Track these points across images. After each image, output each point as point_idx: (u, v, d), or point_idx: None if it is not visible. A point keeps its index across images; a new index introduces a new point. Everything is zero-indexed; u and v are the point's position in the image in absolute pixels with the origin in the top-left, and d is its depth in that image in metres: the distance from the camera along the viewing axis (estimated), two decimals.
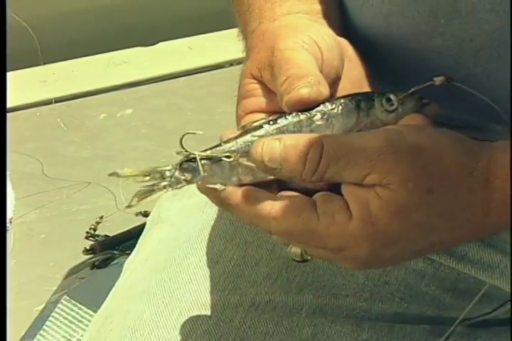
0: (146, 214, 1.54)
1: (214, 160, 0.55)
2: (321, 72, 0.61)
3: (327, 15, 0.68)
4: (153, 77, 2.15)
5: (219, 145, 0.57)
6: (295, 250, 0.61)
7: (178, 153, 0.55)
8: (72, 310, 1.39)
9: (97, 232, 1.60)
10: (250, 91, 0.62)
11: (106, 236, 1.57)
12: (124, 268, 0.81)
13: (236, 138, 0.57)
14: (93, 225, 1.62)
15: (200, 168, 0.54)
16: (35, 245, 1.61)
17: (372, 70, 0.67)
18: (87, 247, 1.52)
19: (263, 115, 0.61)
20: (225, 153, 0.56)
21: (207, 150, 0.56)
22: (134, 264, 0.79)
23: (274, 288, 0.71)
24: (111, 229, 1.61)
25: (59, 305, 1.40)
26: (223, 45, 2.10)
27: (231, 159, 0.56)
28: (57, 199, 1.75)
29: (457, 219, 0.57)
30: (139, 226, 1.41)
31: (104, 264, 1.48)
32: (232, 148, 0.57)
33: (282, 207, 0.56)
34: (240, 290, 0.71)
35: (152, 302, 0.71)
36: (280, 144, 0.56)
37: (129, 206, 0.54)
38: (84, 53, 2.21)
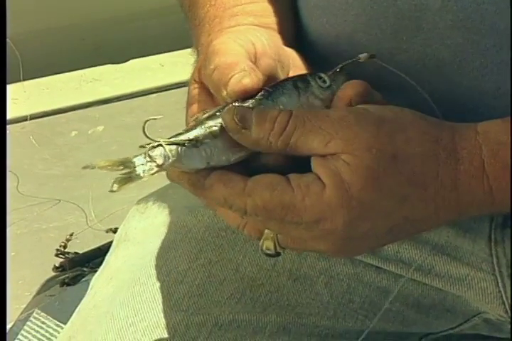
0: (115, 231, 1.54)
1: (179, 145, 0.57)
2: (254, 63, 0.61)
3: (277, 28, 0.69)
4: (124, 94, 2.15)
5: (181, 133, 0.58)
6: (267, 244, 0.61)
7: (141, 146, 0.57)
8: (42, 328, 1.39)
9: (67, 249, 1.59)
10: (194, 97, 0.63)
11: (76, 253, 1.56)
12: (90, 286, 0.81)
13: (195, 125, 0.59)
14: (63, 242, 1.61)
15: (168, 152, 0.56)
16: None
17: None
18: (57, 264, 1.52)
19: None
20: (188, 138, 0.58)
21: (171, 138, 0.58)
22: (100, 282, 0.79)
23: (238, 308, 0.72)
24: (81, 246, 1.60)
25: (28, 323, 1.39)
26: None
27: (194, 142, 0.57)
28: (28, 216, 1.74)
29: (428, 189, 0.57)
30: (108, 243, 1.40)
31: (73, 281, 1.48)
32: (194, 134, 0.58)
33: (256, 184, 0.57)
34: (203, 310, 0.71)
35: (116, 322, 0.71)
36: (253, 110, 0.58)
37: (111, 191, 0.56)
38: (55, 71, 2.21)
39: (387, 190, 0.56)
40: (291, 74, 0.65)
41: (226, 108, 0.59)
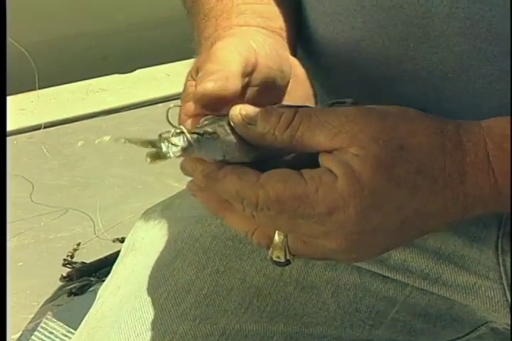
0: (123, 241, 1.54)
1: (199, 134, 0.57)
2: (250, 73, 0.62)
3: (282, 33, 0.69)
4: (130, 103, 2.16)
5: (197, 128, 0.58)
6: (277, 252, 0.60)
7: (160, 135, 0.56)
8: (49, 338, 1.39)
9: (74, 259, 1.60)
10: (190, 94, 0.62)
11: (83, 263, 1.57)
12: (97, 296, 0.81)
13: (208, 123, 0.59)
14: (70, 252, 1.62)
15: (190, 139, 0.56)
16: (11, 273, 1.60)
17: (342, 94, 0.68)
18: (64, 274, 1.52)
19: (202, 119, 0.61)
20: (206, 130, 0.58)
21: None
22: (107, 292, 0.79)
23: (246, 317, 0.72)
24: (88, 255, 1.61)
25: (36, 333, 1.39)
26: None
27: (212, 134, 0.58)
28: (35, 226, 1.74)
29: (436, 180, 0.56)
30: (115, 252, 1.41)
31: (81, 291, 1.48)
32: (210, 128, 0.58)
33: (269, 176, 0.57)
34: (210, 320, 0.71)
35: (123, 332, 0.71)
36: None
37: (147, 162, 0.56)
38: (62, 81, 2.21)
39: (398, 178, 0.56)
40: (290, 84, 0.65)
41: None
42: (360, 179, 0.55)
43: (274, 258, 0.61)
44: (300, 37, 0.74)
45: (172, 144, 0.56)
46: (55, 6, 2.33)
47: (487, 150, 0.57)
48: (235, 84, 0.59)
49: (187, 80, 0.63)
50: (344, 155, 0.56)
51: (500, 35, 0.63)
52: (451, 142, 0.57)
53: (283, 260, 0.61)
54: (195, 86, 0.60)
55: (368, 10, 0.66)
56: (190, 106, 0.61)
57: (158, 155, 0.56)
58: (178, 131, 0.56)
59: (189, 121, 0.60)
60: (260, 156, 0.60)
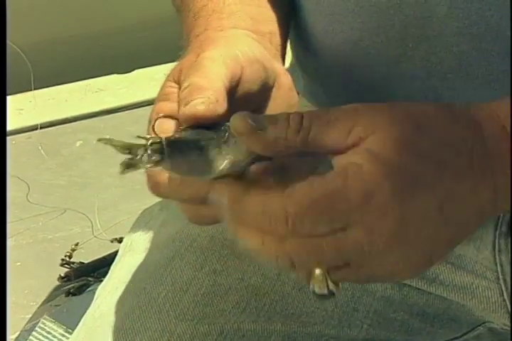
0: (121, 241, 1.55)
1: (179, 148, 0.55)
2: (234, 88, 0.61)
3: (271, 38, 0.69)
4: (129, 104, 2.16)
5: (181, 137, 0.56)
6: (318, 284, 0.55)
7: (139, 136, 0.54)
8: (47, 338, 1.39)
9: (72, 259, 1.60)
10: (167, 95, 0.61)
11: (81, 263, 1.57)
12: (95, 296, 0.81)
13: (185, 137, 0.57)
14: (68, 252, 1.62)
15: (166, 151, 0.54)
16: (9, 273, 1.60)
17: (340, 95, 0.68)
18: (62, 274, 1.52)
19: (173, 122, 0.59)
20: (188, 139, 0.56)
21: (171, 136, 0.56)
22: (105, 292, 0.79)
23: (243, 317, 0.72)
24: (86, 255, 1.61)
25: (33, 333, 1.39)
26: None
27: (193, 144, 0.55)
28: (33, 226, 1.74)
29: (461, 154, 0.53)
30: (113, 252, 1.41)
31: (79, 291, 1.48)
32: (193, 138, 0.56)
33: (292, 184, 0.53)
34: (208, 319, 0.71)
35: (121, 331, 0.71)
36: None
37: (120, 173, 0.54)
38: (60, 81, 2.22)
39: (422, 153, 0.53)
40: (272, 93, 0.64)
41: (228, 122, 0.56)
42: (386, 158, 0.52)
43: (317, 291, 0.56)
44: (299, 37, 0.74)
45: (150, 152, 0.53)
46: (51, 7, 2.33)
47: (501, 122, 0.54)
48: (223, 105, 0.58)
49: (167, 80, 0.62)
50: (362, 143, 0.53)
51: (499, 35, 0.63)
52: (466, 119, 0.54)
53: (326, 291, 0.55)
54: (179, 102, 0.58)
55: (367, 10, 0.66)
56: (163, 106, 0.60)
57: (131, 163, 0.54)
58: (157, 140, 0.54)
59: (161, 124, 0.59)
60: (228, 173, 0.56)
